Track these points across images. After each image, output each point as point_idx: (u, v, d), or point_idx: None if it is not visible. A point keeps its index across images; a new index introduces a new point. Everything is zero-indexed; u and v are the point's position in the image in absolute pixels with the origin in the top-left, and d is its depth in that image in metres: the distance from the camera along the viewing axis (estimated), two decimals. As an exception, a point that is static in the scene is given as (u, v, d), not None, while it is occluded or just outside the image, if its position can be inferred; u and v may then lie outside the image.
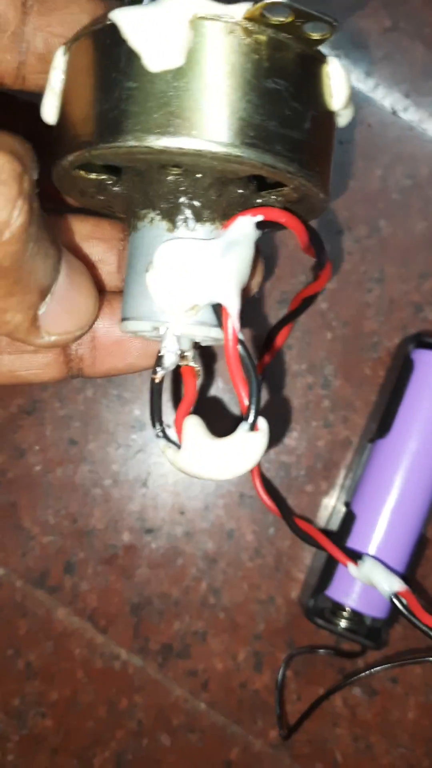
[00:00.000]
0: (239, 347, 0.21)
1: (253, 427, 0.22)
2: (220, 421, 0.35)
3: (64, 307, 0.22)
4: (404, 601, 0.30)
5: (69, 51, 0.21)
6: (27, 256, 0.19)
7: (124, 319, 0.23)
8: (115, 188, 0.23)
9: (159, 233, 0.22)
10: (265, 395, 0.35)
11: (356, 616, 0.33)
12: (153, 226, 0.22)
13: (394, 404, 0.33)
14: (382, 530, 0.32)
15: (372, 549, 0.32)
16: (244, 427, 0.22)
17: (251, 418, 0.22)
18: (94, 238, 0.27)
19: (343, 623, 0.33)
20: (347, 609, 0.33)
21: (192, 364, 0.24)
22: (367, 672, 0.33)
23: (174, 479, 0.35)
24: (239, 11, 0.20)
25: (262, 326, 0.35)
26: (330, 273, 0.27)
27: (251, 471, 0.32)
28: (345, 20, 0.35)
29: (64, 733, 0.35)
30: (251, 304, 0.35)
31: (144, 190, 0.22)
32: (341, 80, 0.22)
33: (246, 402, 0.22)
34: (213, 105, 0.20)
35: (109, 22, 0.20)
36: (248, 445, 0.22)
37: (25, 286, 0.20)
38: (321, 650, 0.34)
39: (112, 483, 0.35)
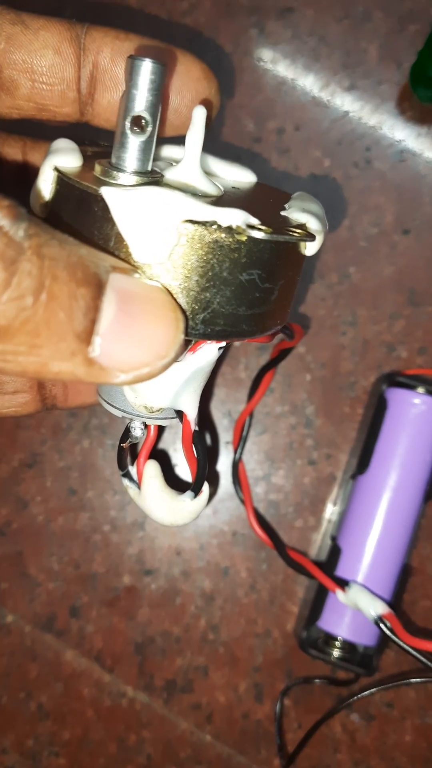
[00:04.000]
0: (193, 438, 0.26)
1: (196, 494, 0.28)
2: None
3: (126, 342, 0.19)
4: (388, 623, 0.32)
5: (58, 182, 0.22)
6: (31, 312, 0.17)
7: (99, 396, 0.26)
8: None
9: None
10: (252, 437, 0.37)
11: (348, 645, 0.34)
12: None
13: (371, 441, 0.35)
14: (366, 562, 0.34)
15: (359, 579, 0.34)
16: (189, 494, 0.28)
17: (195, 488, 0.28)
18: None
19: (336, 653, 0.34)
20: (339, 639, 0.34)
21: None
22: (358, 696, 0.35)
23: (169, 522, 0.37)
24: (226, 220, 0.20)
25: (251, 369, 0.37)
26: (302, 333, 0.31)
27: (246, 509, 0.36)
28: (308, 76, 0.37)
29: (77, 770, 0.37)
30: (229, 348, 0.37)
31: None
32: (319, 241, 0.23)
33: (193, 476, 0.28)
34: (188, 301, 0.21)
35: (99, 194, 0.20)
36: (192, 506, 0.28)
37: (51, 336, 0.17)
38: (316, 680, 0.36)
39: (111, 528, 0.37)
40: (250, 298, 0.22)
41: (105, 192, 0.20)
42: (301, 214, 0.23)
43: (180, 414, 0.26)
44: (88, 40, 0.24)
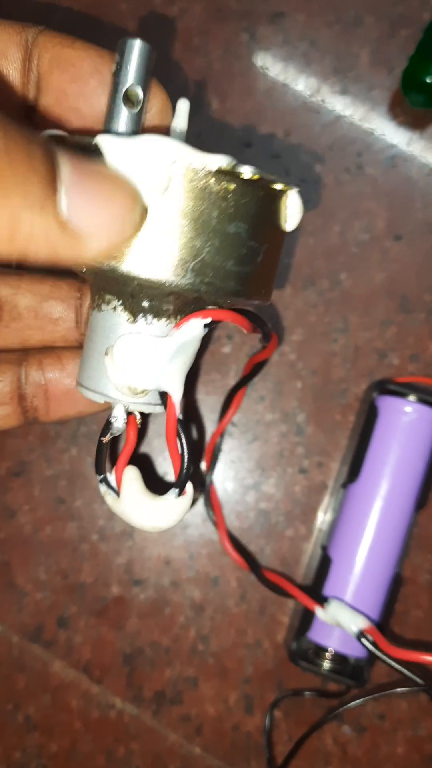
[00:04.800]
0: (178, 427, 0.25)
1: (180, 492, 0.26)
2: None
3: (89, 198, 0.19)
4: (370, 637, 0.31)
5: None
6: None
7: (80, 385, 0.26)
8: (84, 272, 0.25)
9: (120, 321, 0.25)
10: (242, 444, 0.37)
11: (339, 657, 0.34)
12: (115, 313, 0.25)
13: (362, 450, 0.34)
14: (357, 572, 0.33)
15: (349, 590, 0.33)
16: (173, 492, 0.27)
17: (179, 485, 0.26)
18: (52, 298, 0.30)
19: (326, 665, 0.34)
20: (329, 650, 0.34)
21: (135, 414, 0.27)
22: (347, 706, 0.34)
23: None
24: (214, 163, 0.21)
25: (222, 388, 0.37)
26: (276, 343, 0.30)
27: (220, 531, 0.35)
28: (299, 81, 0.37)
29: (65, 783, 0.36)
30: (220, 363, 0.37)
31: (111, 284, 0.25)
32: (297, 208, 0.24)
33: (176, 472, 0.26)
34: (178, 247, 0.22)
35: (94, 142, 0.21)
36: (174, 506, 0.27)
37: (16, 178, 0.17)
38: (306, 692, 0.35)
39: (99, 538, 0.37)
40: (237, 253, 0.23)
41: (99, 139, 0.21)
42: (289, 187, 0.24)
43: (164, 397, 0.25)
44: (34, 45, 0.25)
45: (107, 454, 0.28)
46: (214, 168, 0.21)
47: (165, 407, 0.25)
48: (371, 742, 0.36)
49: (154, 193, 0.21)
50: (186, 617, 0.37)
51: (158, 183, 0.21)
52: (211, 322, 0.24)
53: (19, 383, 0.29)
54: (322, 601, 0.33)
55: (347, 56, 0.37)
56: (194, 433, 0.37)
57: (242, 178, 0.22)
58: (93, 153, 0.21)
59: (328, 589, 0.34)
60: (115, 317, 0.25)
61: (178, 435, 0.26)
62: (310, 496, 0.37)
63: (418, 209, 0.37)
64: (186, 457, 0.26)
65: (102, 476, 0.28)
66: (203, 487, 0.36)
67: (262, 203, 0.23)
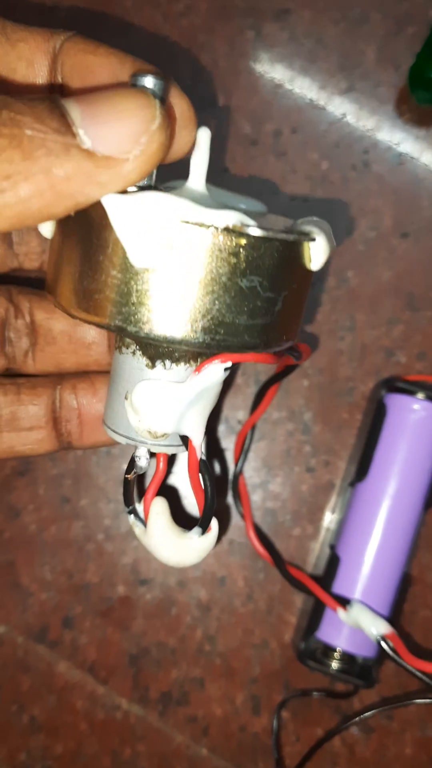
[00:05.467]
0: (200, 467, 0.25)
1: (204, 530, 0.26)
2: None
3: (104, 123, 0.19)
4: (390, 643, 0.31)
5: None
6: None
7: (105, 425, 0.26)
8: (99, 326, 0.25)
9: (139, 366, 0.24)
10: (248, 444, 0.37)
11: (347, 657, 0.34)
12: (134, 357, 0.24)
13: (370, 448, 0.34)
14: (366, 572, 0.33)
15: (357, 590, 0.33)
16: (197, 530, 0.26)
17: (203, 523, 0.26)
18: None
19: (334, 665, 0.33)
20: (338, 650, 0.33)
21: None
22: (361, 717, 0.34)
23: (164, 530, 0.37)
24: (222, 221, 0.20)
25: (247, 375, 0.37)
26: (309, 352, 0.30)
27: (246, 524, 0.35)
28: (305, 78, 0.37)
29: (71, 785, 0.36)
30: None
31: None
32: (322, 250, 0.23)
33: (200, 510, 0.26)
34: (188, 307, 0.21)
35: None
36: (200, 543, 0.26)
37: (33, 141, 0.18)
38: (314, 693, 0.35)
39: (105, 537, 0.37)
40: (251, 306, 0.21)
41: (104, 200, 0.20)
42: (304, 226, 0.23)
43: (185, 440, 0.25)
44: (60, 52, 0.24)
45: (134, 487, 0.28)
46: (221, 226, 0.20)
47: (186, 448, 0.25)
48: (379, 743, 0.36)
49: (160, 252, 0.20)
50: (192, 617, 0.36)
51: (163, 242, 0.20)
52: (232, 364, 0.23)
53: (53, 407, 0.29)
54: (344, 602, 0.32)
55: (353, 53, 0.37)
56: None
57: (246, 233, 0.21)
58: (98, 212, 0.21)
59: (337, 589, 0.33)
60: (134, 361, 0.24)
61: (201, 473, 0.25)
62: (318, 495, 0.37)
63: (425, 207, 0.37)
64: (209, 495, 0.26)
65: (130, 507, 0.28)
66: (234, 478, 0.36)
67: (278, 253, 0.22)
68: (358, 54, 0.37)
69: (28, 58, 0.24)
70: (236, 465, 0.36)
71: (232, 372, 0.37)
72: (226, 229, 0.20)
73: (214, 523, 0.26)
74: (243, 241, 0.21)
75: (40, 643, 0.36)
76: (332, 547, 0.34)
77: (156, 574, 0.36)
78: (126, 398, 0.24)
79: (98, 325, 0.22)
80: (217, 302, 0.21)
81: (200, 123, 0.38)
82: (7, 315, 0.29)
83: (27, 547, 0.37)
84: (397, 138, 0.37)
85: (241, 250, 0.21)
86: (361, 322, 0.37)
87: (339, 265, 0.37)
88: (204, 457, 0.25)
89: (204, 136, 0.24)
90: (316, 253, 0.23)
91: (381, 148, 0.37)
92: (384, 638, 0.31)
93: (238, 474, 0.36)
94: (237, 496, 0.36)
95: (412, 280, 0.37)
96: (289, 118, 0.37)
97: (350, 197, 0.37)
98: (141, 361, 0.24)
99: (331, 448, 0.37)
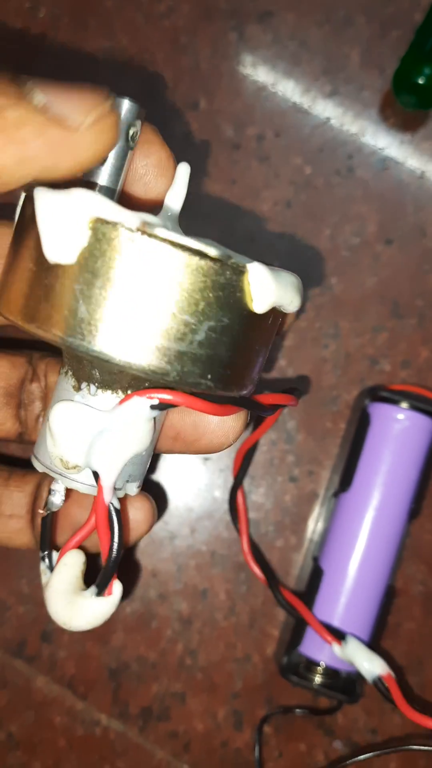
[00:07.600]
0: (110, 513, 0.22)
1: (101, 591, 0.22)
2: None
3: (59, 90, 0.20)
4: (386, 686, 0.30)
5: (24, 203, 0.22)
6: None
7: (32, 454, 0.24)
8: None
9: (66, 387, 0.23)
10: (230, 452, 0.36)
11: (331, 672, 0.33)
12: (65, 378, 0.23)
13: (354, 458, 0.33)
14: (349, 584, 0.33)
15: (341, 603, 0.32)
16: (93, 590, 0.22)
17: (101, 582, 0.22)
18: None
19: (317, 679, 0.33)
20: (321, 665, 0.33)
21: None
22: (356, 759, 0.33)
23: (145, 542, 0.36)
24: (136, 221, 0.19)
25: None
26: (288, 402, 0.26)
27: (242, 539, 0.34)
28: (288, 81, 0.36)
29: (48, 804, 0.35)
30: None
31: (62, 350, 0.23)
32: (265, 291, 0.20)
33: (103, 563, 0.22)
34: (93, 307, 0.19)
35: (31, 194, 0.20)
36: (94, 606, 0.22)
37: None
38: (297, 710, 0.34)
39: (84, 549, 0.36)
40: (163, 324, 0.19)
41: (36, 191, 0.20)
42: (251, 262, 0.20)
43: (96, 477, 0.21)
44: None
45: (51, 528, 0.25)
46: (132, 226, 0.19)
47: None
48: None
49: (71, 247, 0.19)
50: (173, 631, 0.36)
51: (74, 239, 0.19)
52: (160, 404, 0.21)
53: (33, 498, 0.28)
54: (340, 636, 0.32)
55: (337, 57, 0.36)
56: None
57: (159, 237, 0.19)
58: (31, 206, 0.20)
59: (320, 601, 0.33)
60: (64, 382, 0.23)
61: (110, 522, 0.22)
62: (301, 506, 0.36)
63: (409, 213, 0.36)
64: (115, 549, 0.22)
65: (44, 553, 0.25)
66: (232, 495, 0.35)
67: (192, 270, 0.19)
68: (342, 57, 0.36)
69: None
70: (235, 478, 0.35)
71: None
72: (139, 231, 0.19)
73: (116, 588, 0.22)
74: (153, 245, 0.19)
75: (18, 658, 0.36)
76: (315, 559, 0.34)
77: (136, 587, 0.36)
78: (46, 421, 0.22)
79: (12, 322, 0.21)
80: (123, 308, 0.19)
81: (182, 126, 0.37)
82: (25, 378, 0.28)
83: (3, 559, 0.36)
84: (381, 143, 0.36)
85: (152, 255, 0.19)
86: (345, 329, 0.36)
87: (322, 271, 0.36)
88: (117, 506, 0.22)
89: (183, 171, 0.23)
90: (259, 293, 0.20)
91: (365, 152, 0.36)
92: (381, 680, 0.31)
93: (236, 488, 0.35)
94: (234, 511, 0.35)
95: (396, 287, 0.36)
96: (272, 122, 0.36)
97: (334, 203, 0.36)
98: (69, 382, 0.22)
99: (315, 458, 0.36)
